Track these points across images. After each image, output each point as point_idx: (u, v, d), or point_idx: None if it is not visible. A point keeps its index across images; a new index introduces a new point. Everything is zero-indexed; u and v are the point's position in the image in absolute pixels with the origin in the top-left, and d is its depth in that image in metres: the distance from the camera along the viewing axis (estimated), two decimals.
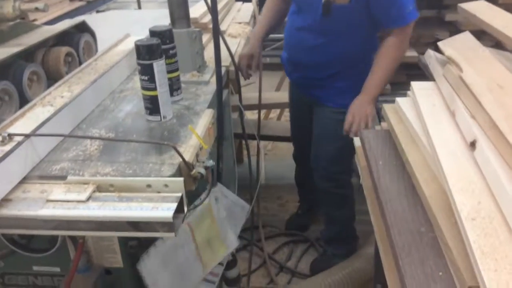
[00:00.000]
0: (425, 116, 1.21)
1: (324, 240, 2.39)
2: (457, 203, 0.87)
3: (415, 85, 1.40)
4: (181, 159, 1.21)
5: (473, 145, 1.03)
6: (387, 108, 1.41)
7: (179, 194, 1.13)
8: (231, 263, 1.75)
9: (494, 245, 0.76)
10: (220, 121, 1.55)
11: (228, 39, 2.27)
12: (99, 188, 1.15)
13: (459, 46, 1.43)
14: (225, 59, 1.96)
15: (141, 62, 1.37)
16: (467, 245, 0.79)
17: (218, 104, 1.52)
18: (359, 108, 1.83)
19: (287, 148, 3.28)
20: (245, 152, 3.22)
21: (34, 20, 3.31)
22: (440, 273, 0.85)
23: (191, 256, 1.42)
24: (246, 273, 2.20)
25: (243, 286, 2.15)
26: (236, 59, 2.00)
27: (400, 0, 1.75)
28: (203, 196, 1.38)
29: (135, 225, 1.08)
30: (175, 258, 1.40)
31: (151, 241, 1.48)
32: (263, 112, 3.64)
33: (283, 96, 2.63)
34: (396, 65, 1.86)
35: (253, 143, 2.88)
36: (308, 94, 2.12)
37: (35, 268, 1.47)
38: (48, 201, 1.11)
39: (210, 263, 1.48)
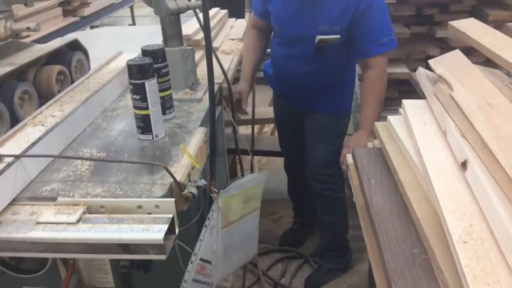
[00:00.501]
0: (417, 135, 1.21)
1: (319, 254, 2.38)
2: (449, 225, 0.86)
3: (407, 103, 1.41)
4: (172, 179, 1.20)
5: (464, 165, 1.03)
6: (378, 126, 1.41)
7: (170, 215, 1.12)
8: None
9: (486, 269, 0.76)
10: (213, 138, 1.54)
11: (221, 55, 2.28)
12: (90, 209, 1.14)
13: (449, 65, 1.44)
14: (218, 76, 1.97)
15: (133, 81, 1.37)
16: (459, 269, 0.78)
17: (211, 121, 1.52)
18: (357, 142, 1.86)
19: (281, 162, 3.26)
20: (239, 167, 3.22)
21: (27, 36, 3.30)
22: None
23: (240, 226, 1.60)
24: None
25: None
26: (229, 75, 2.01)
27: (374, 31, 1.80)
28: (213, 206, 1.45)
29: (125, 247, 1.06)
30: (231, 246, 1.58)
31: (143, 261, 1.46)
32: (256, 127, 3.65)
33: None
34: (383, 95, 1.91)
35: (246, 158, 2.88)
36: (296, 105, 2.15)
37: None
38: (38, 223, 1.10)
39: (257, 201, 1.71)
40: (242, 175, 2.28)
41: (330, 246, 2.31)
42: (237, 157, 3.03)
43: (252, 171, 2.40)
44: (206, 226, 1.44)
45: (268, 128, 3.73)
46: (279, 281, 2.32)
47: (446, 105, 1.28)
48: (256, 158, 3.50)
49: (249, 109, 2.40)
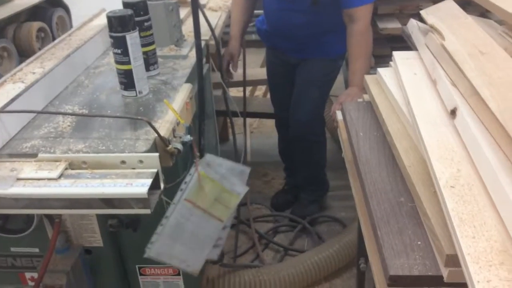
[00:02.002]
0: (406, 85, 1.18)
1: (298, 187, 2.49)
2: (436, 171, 0.85)
3: (397, 54, 1.37)
4: (156, 135, 1.17)
5: (453, 113, 1.01)
6: (368, 79, 1.38)
7: (155, 170, 1.10)
8: None
9: (473, 212, 0.74)
10: (201, 94, 1.50)
11: (208, 12, 2.22)
12: (72, 165, 1.11)
13: (442, 15, 1.40)
14: (205, 33, 1.91)
15: (113, 34, 1.32)
16: (445, 213, 0.77)
17: (199, 76, 1.47)
18: (347, 97, 1.83)
19: (273, 126, 3.24)
20: (230, 130, 3.19)
21: None
22: (419, 243, 0.84)
23: (201, 220, 1.43)
24: (233, 257, 2.19)
25: (227, 263, 2.15)
26: (217, 32, 1.96)
27: None
28: (192, 170, 1.35)
29: (109, 202, 1.04)
30: (183, 231, 1.40)
31: (132, 219, 1.45)
32: (248, 89, 3.60)
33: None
34: (370, 49, 1.90)
35: (238, 122, 2.84)
36: (294, 55, 2.18)
37: (12, 249, 1.44)
38: (19, 179, 1.07)
39: (225, 215, 1.49)
40: (234, 139, 2.26)
41: (308, 181, 2.45)
42: (228, 119, 3.02)
43: (244, 133, 2.37)
44: (181, 190, 1.38)
45: (260, 91, 3.69)
46: (272, 239, 2.32)
47: (437, 54, 1.24)
48: (248, 121, 3.47)
49: (240, 71, 2.39)
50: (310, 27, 2.01)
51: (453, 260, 0.73)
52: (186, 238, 1.41)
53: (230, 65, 2.19)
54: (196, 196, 1.38)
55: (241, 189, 1.50)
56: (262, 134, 3.39)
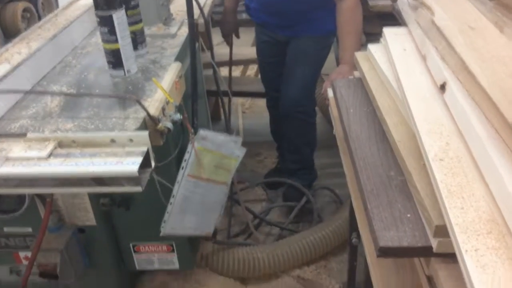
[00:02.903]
0: (396, 61, 1.18)
1: (287, 172, 2.46)
2: (425, 144, 0.85)
3: (387, 30, 1.36)
4: (146, 114, 1.16)
5: (443, 87, 1.01)
6: (358, 55, 1.37)
7: (145, 148, 1.10)
8: None
9: (461, 184, 0.75)
10: (193, 71, 1.49)
11: None
12: (61, 145, 1.11)
13: None
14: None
15: (100, 13, 1.30)
16: (434, 185, 0.78)
17: (191, 52, 1.45)
18: (338, 75, 1.82)
19: (265, 105, 3.23)
20: (222, 110, 3.17)
21: None
22: (408, 215, 0.85)
23: (206, 189, 1.50)
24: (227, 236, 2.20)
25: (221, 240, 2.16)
26: (206, 11, 1.93)
27: None
28: (189, 148, 1.38)
29: (99, 180, 1.04)
30: (191, 203, 1.46)
31: (124, 198, 1.46)
32: (240, 68, 3.57)
33: None
34: (360, 26, 1.88)
35: (232, 101, 2.83)
36: (284, 33, 2.16)
37: (6, 229, 1.44)
38: (8, 159, 1.07)
39: (228, 178, 1.58)
40: (225, 118, 2.25)
41: (298, 165, 2.42)
42: (218, 99, 3.01)
43: (229, 113, 2.36)
44: (183, 168, 1.40)
45: (252, 70, 3.66)
46: (265, 218, 2.33)
47: (427, 30, 1.23)
48: (240, 100, 3.46)
49: (227, 50, 2.38)
50: (298, 3, 1.99)
51: (442, 231, 0.74)
52: (195, 208, 1.49)
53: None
54: (197, 170, 1.42)
55: (239, 152, 1.57)
56: (254, 114, 3.38)
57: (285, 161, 2.52)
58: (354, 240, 1.68)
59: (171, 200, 1.39)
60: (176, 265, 1.67)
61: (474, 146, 0.83)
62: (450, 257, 0.79)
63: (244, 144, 2.43)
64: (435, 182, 0.77)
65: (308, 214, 2.36)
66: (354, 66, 1.84)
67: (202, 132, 1.41)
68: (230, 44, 2.42)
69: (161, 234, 1.42)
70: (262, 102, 3.42)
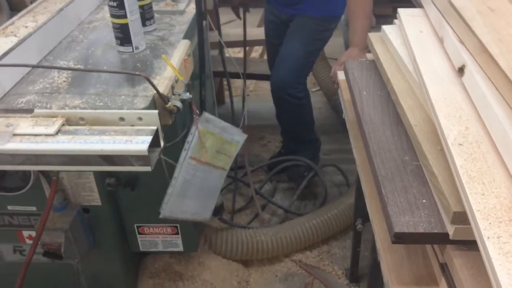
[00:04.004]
0: (412, 43, 1.15)
1: (290, 153, 2.44)
2: (444, 128, 0.83)
3: (402, 12, 1.33)
4: (155, 91, 1.14)
5: (461, 70, 0.98)
6: (372, 37, 1.35)
7: (154, 127, 1.08)
8: None
9: (482, 169, 0.73)
10: (201, 48, 1.46)
11: None
12: (69, 122, 1.09)
13: None
14: None
15: None
16: (453, 170, 0.76)
17: (199, 29, 1.42)
18: (349, 58, 1.79)
19: (270, 89, 3.20)
20: (226, 93, 3.14)
21: None
22: (424, 201, 0.83)
23: (206, 173, 1.48)
24: (230, 212, 2.20)
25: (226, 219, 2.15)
26: None
27: None
28: (192, 130, 1.35)
29: (108, 159, 1.02)
30: (190, 187, 1.44)
31: (129, 178, 1.44)
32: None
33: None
34: (370, 7, 1.83)
35: (234, 83, 2.79)
36: (288, 11, 2.12)
37: (9, 207, 1.43)
38: (15, 135, 1.05)
39: (228, 163, 1.56)
40: (231, 101, 2.22)
41: (299, 144, 2.40)
42: (224, 81, 2.97)
43: (243, 97, 2.33)
44: (185, 150, 1.39)
45: (257, 52, 3.62)
46: (271, 199, 2.32)
47: (444, 11, 1.20)
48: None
49: (238, 30, 2.31)
50: None
51: (460, 218, 0.73)
52: (194, 192, 1.47)
53: None
54: (199, 152, 1.40)
55: (240, 138, 1.55)
56: (258, 97, 3.35)
57: (286, 143, 2.50)
58: (359, 226, 1.67)
59: (172, 182, 1.37)
60: (180, 247, 1.66)
61: (494, 130, 0.81)
62: (466, 244, 0.78)
63: (248, 127, 2.42)
64: (455, 168, 0.75)
65: (315, 187, 2.37)
66: (365, 48, 1.81)
67: (206, 114, 1.39)
68: (241, 17, 2.20)
69: (161, 216, 1.40)
70: (266, 85, 3.38)
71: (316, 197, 2.37)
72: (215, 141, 1.45)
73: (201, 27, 1.36)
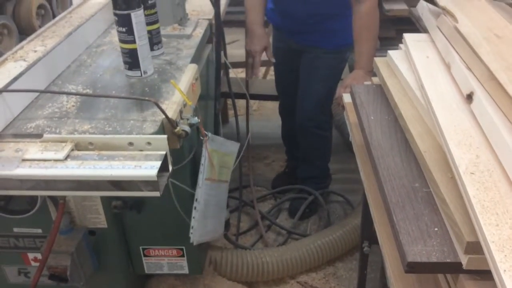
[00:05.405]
0: (419, 69, 1.16)
1: (300, 179, 2.43)
2: (455, 157, 0.83)
3: (408, 37, 1.34)
4: (163, 116, 1.15)
5: (470, 97, 0.99)
6: (378, 61, 1.35)
7: (163, 152, 1.08)
8: None
9: (495, 199, 0.73)
10: (218, 69, 1.48)
11: None
12: (78, 147, 1.09)
13: None
14: (208, 12, 1.87)
15: (118, 12, 1.28)
16: (466, 200, 0.76)
17: (217, 54, 1.43)
18: (353, 81, 1.78)
19: (273, 108, 3.21)
20: (230, 112, 3.15)
21: None
22: (436, 229, 0.83)
23: (217, 190, 1.53)
24: (235, 234, 2.19)
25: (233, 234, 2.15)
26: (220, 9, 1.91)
27: None
28: (203, 152, 1.39)
29: (117, 184, 1.02)
30: (209, 207, 1.49)
31: (135, 201, 1.44)
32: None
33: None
34: (377, 31, 1.84)
35: (237, 102, 2.80)
36: (297, 40, 2.11)
37: (15, 229, 1.42)
38: (24, 160, 1.05)
39: (228, 174, 1.61)
40: (236, 121, 2.23)
41: (311, 174, 2.40)
42: (227, 101, 2.98)
43: (247, 116, 2.34)
44: (201, 172, 1.40)
45: (260, 72, 3.64)
46: (275, 221, 2.31)
47: (450, 37, 1.21)
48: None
49: (240, 51, 2.32)
50: (317, 9, 1.94)
51: (473, 247, 0.72)
52: (212, 211, 1.52)
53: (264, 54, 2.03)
54: (210, 172, 1.43)
55: (234, 148, 1.61)
56: (262, 117, 3.36)
57: (298, 169, 2.48)
58: (365, 249, 1.66)
59: (195, 205, 1.39)
60: (186, 270, 1.65)
61: (505, 159, 0.81)
62: (480, 273, 0.77)
63: (251, 147, 2.42)
64: (467, 197, 0.75)
65: (316, 212, 2.37)
66: (370, 71, 1.82)
67: (210, 134, 1.42)
68: (255, 65, 2.06)
69: (192, 241, 1.42)
70: (269, 104, 3.40)
71: (320, 219, 2.36)
72: (219, 157, 1.49)
73: (218, 55, 1.40)
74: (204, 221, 1.44)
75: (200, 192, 1.38)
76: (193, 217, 1.39)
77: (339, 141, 2.90)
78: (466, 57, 1.10)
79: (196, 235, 1.42)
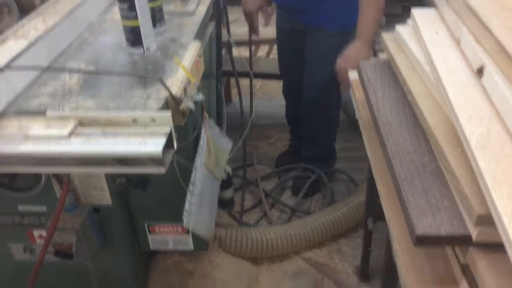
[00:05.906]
0: (428, 44, 1.14)
1: (305, 159, 2.42)
2: (466, 131, 0.82)
3: (416, 12, 1.32)
4: (167, 93, 1.13)
5: (480, 71, 0.97)
6: (386, 37, 1.33)
7: (168, 129, 1.06)
8: (225, 183, 1.71)
9: (506, 172, 0.72)
10: (218, 47, 1.45)
11: None
12: (81, 124, 1.07)
13: None
14: None
15: None
16: (477, 174, 0.75)
17: (217, 31, 1.40)
18: (353, 53, 1.74)
19: (276, 87, 3.19)
20: (233, 91, 3.13)
21: None
22: (445, 203, 0.82)
23: (212, 183, 1.49)
24: (239, 211, 2.19)
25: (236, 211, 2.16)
26: None
27: None
28: (202, 133, 1.35)
29: (122, 161, 1.01)
30: (205, 198, 1.44)
31: (140, 178, 1.43)
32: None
33: (272, 31, 2.51)
34: (382, 2, 1.76)
35: (241, 81, 2.78)
36: (301, 20, 2.06)
37: (20, 207, 1.43)
38: (28, 137, 1.04)
39: (220, 173, 1.57)
40: (240, 100, 2.21)
41: (316, 154, 2.38)
42: (231, 80, 2.96)
43: (250, 95, 2.32)
44: (199, 154, 1.38)
45: (263, 51, 3.60)
46: (280, 200, 2.32)
47: (459, 12, 1.19)
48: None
49: (244, 29, 2.29)
50: None
51: (484, 220, 0.72)
52: (207, 205, 1.47)
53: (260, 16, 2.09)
54: (207, 159, 1.38)
55: (228, 145, 1.57)
56: (265, 96, 3.34)
57: (302, 148, 2.47)
58: (370, 225, 1.67)
59: (190, 187, 1.34)
60: (191, 246, 1.66)
61: None
62: (489, 246, 0.77)
63: (255, 126, 2.41)
64: (479, 171, 0.74)
65: (319, 190, 2.37)
66: (369, 42, 1.78)
67: (211, 120, 1.39)
68: (253, 24, 2.18)
69: (185, 225, 1.35)
70: (272, 83, 3.38)
71: (324, 197, 2.36)
72: (215, 149, 1.45)
73: (219, 23, 1.36)
74: (200, 209, 1.39)
75: (198, 176, 1.33)
76: (188, 201, 1.32)
77: (343, 119, 2.89)
78: (476, 32, 1.08)
79: (192, 220, 1.35)
